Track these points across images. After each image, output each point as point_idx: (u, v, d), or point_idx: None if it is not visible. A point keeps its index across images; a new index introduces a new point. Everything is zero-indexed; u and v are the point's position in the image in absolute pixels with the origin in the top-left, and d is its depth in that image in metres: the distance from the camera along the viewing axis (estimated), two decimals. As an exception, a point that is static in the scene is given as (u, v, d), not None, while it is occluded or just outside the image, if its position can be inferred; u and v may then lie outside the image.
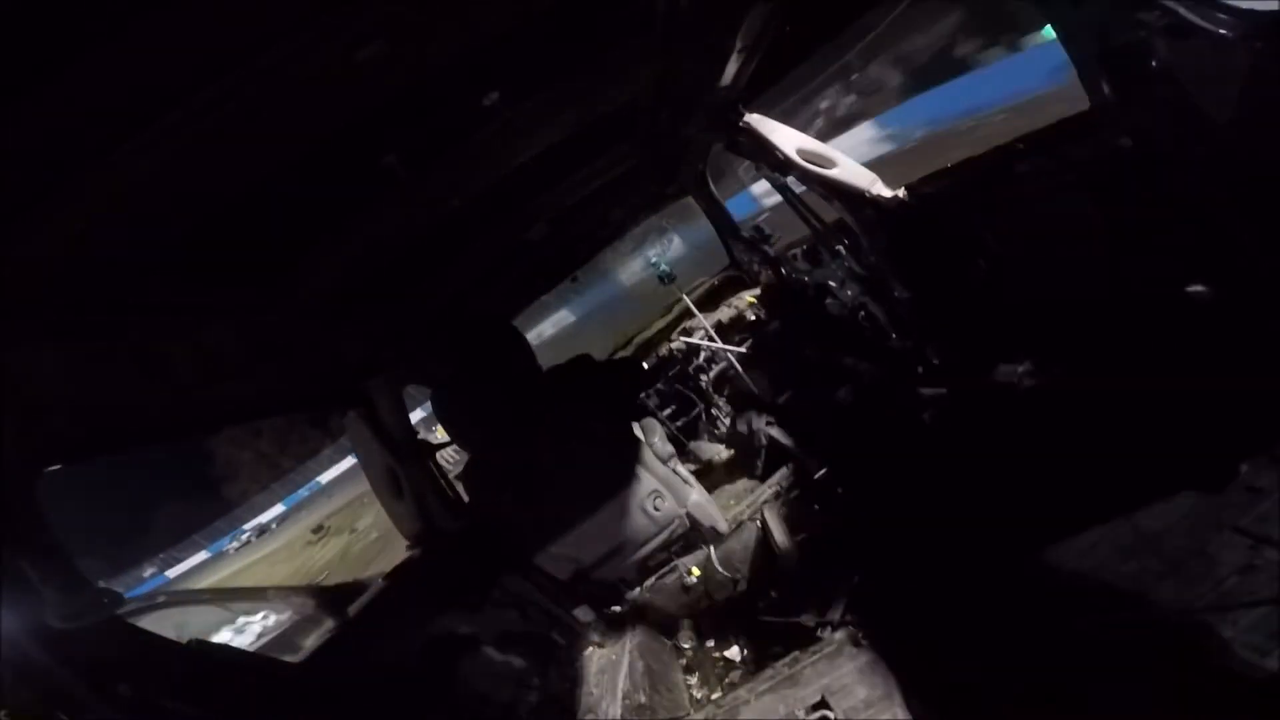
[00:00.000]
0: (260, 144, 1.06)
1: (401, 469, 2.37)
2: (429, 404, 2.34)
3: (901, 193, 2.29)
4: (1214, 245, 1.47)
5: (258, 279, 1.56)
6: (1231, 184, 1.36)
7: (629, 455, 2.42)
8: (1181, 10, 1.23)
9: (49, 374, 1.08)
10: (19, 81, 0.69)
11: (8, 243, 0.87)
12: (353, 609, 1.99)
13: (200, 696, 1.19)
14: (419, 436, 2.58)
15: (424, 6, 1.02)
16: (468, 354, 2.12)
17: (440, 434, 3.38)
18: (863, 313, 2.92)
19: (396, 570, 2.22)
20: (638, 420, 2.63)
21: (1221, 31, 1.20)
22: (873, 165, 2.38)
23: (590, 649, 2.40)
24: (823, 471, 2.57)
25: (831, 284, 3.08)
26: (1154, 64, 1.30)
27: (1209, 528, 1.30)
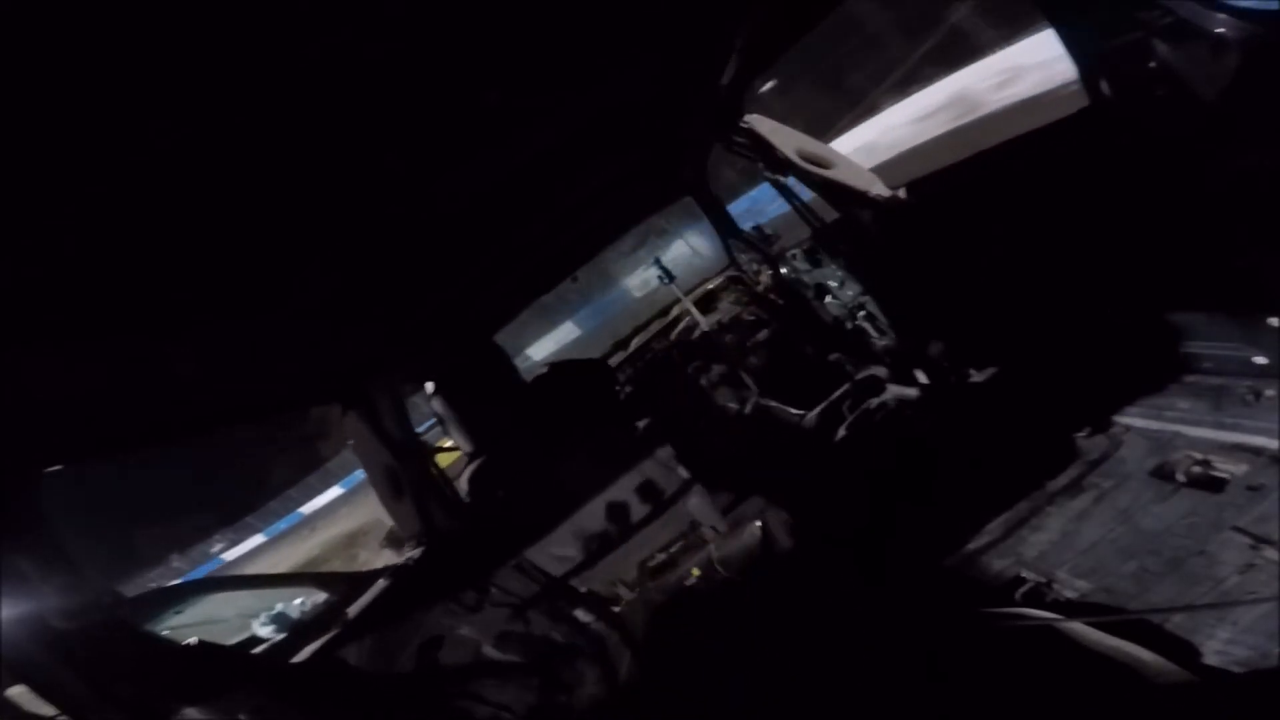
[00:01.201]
0: (260, 143, 1.06)
1: (401, 469, 2.37)
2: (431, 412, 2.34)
3: (901, 193, 2.29)
4: (1212, 244, 1.47)
5: (258, 279, 1.56)
6: (1231, 183, 1.36)
7: (629, 456, 2.42)
8: (1181, 10, 1.23)
9: (49, 374, 1.08)
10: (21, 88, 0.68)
11: (9, 243, 0.87)
12: (353, 609, 1.99)
13: (200, 696, 1.19)
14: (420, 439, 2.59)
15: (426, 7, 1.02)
16: (466, 359, 2.12)
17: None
18: (862, 313, 2.92)
19: (397, 570, 2.22)
20: (637, 422, 2.63)
21: (1221, 31, 1.20)
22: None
23: (590, 649, 2.40)
24: (821, 471, 2.57)
25: (831, 284, 3.08)
26: (1154, 64, 1.30)
27: (1209, 528, 1.30)
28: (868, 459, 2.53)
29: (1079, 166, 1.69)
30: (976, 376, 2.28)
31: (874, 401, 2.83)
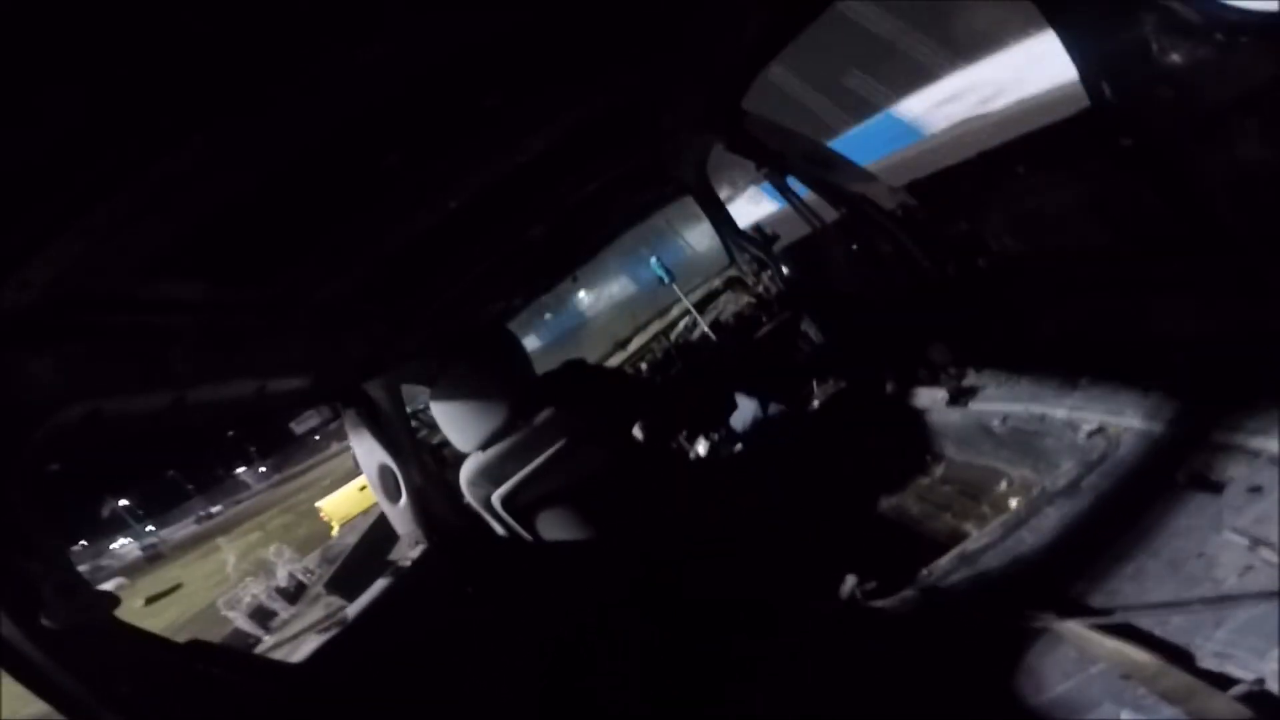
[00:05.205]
0: (257, 143, 1.06)
1: (400, 468, 2.37)
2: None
3: (903, 193, 2.29)
4: (1211, 245, 1.47)
5: (259, 280, 1.56)
6: (1231, 183, 1.36)
7: (629, 458, 2.42)
8: (1181, 10, 1.23)
9: (48, 374, 1.08)
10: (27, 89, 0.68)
11: (10, 243, 0.87)
12: (353, 609, 1.99)
13: (200, 697, 1.19)
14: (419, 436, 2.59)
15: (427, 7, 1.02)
16: (465, 357, 2.12)
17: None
18: (862, 312, 2.92)
19: (397, 570, 2.22)
20: (637, 423, 2.63)
21: (1221, 32, 1.20)
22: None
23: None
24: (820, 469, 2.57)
25: (831, 284, 3.08)
26: (1154, 64, 1.30)
27: (1209, 528, 1.30)
28: (866, 458, 2.53)
29: (1079, 167, 1.69)
30: (975, 376, 2.28)
31: (872, 401, 2.83)
